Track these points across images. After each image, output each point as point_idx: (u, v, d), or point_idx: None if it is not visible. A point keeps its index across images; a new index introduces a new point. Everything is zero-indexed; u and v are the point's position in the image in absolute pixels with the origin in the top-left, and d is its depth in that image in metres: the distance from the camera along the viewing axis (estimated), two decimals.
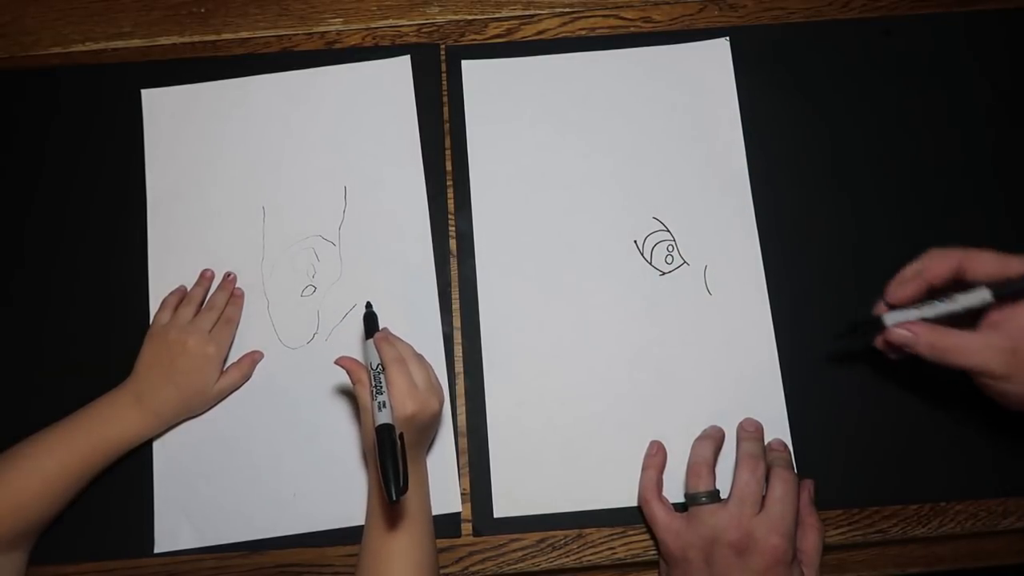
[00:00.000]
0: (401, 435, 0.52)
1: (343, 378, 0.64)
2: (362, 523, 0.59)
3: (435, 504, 0.61)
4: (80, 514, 0.62)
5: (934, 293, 0.56)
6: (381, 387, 0.55)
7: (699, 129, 0.69)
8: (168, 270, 0.67)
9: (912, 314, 0.56)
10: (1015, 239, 0.67)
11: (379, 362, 0.57)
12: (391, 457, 0.51)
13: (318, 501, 0.62)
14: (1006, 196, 0.68)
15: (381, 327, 0.61)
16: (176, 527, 0.62)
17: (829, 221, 0.67)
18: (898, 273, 0.58)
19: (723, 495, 0.58)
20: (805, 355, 0.65)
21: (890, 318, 0.57)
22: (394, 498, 0.50)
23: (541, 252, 0.67)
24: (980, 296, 0.53)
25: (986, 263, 0.53)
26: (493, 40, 0.72)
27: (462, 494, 0.63)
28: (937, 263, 0.55)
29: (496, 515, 0.62)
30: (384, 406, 0.54)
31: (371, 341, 0.58)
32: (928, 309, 0.55)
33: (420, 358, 0.59)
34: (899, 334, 0.55)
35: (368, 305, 0.62)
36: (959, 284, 0.55)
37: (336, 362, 0.59)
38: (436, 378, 0.59)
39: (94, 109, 0.71)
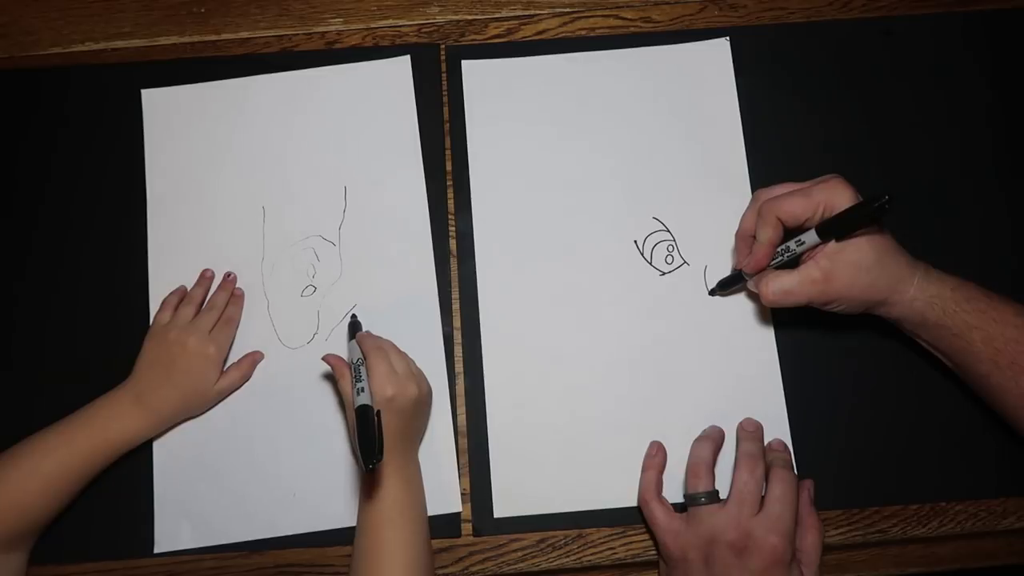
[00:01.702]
0: (378, 412, 0.52)
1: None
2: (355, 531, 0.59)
3: (435, 504, 0.61)
4: (80, 514, 0.62)
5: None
6: (361, 376, 0.56)
7: (699, 129, 0.69)
8: (168, 270, 0.67)
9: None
10: (1015, 239, 0.67)
11: (360, 356, 0.58)
12: (366, 427, 0.51)
13: (318, 501, 0.62)
14: (1006, 196, 0.68)
15: (367, 331, 0.62)
16: (176, 527, 0.62)
17: None
18: (740, 236, 0.62)
19: (723, 495, 0.58)
20: (805, 355, 0.65)
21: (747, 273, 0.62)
22: (367, 466, 0.50)
23: (541, 252, 0.67)
24: (811, 238, 0.56)
25: (796, 207, 0.56)
26: (493, 40, 0.72)
27: (462, 494, 0.63)
28: (764, 228, 0.58)
29: (496, 515, 0.62)
30: (363, 391, 0.55)
31: (353, 342, 0.60)
32: (775, 262, 0.60)
33: (401, 351, 0.60)
34: (752, 290, 0.61)
35: (353, 316, 0.64)
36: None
37: (323, 358, 0.60)
38: (418, 368, 0.60)
39: (94, 109, 0.71)
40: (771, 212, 0.57)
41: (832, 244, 0.56)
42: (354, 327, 0.63)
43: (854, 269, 0.55)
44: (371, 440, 0.51)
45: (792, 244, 0.58)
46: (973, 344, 0.56)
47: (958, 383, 0.62)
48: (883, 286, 0.56)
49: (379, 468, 0.56)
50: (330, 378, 0.64)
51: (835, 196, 0.55)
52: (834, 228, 0.55)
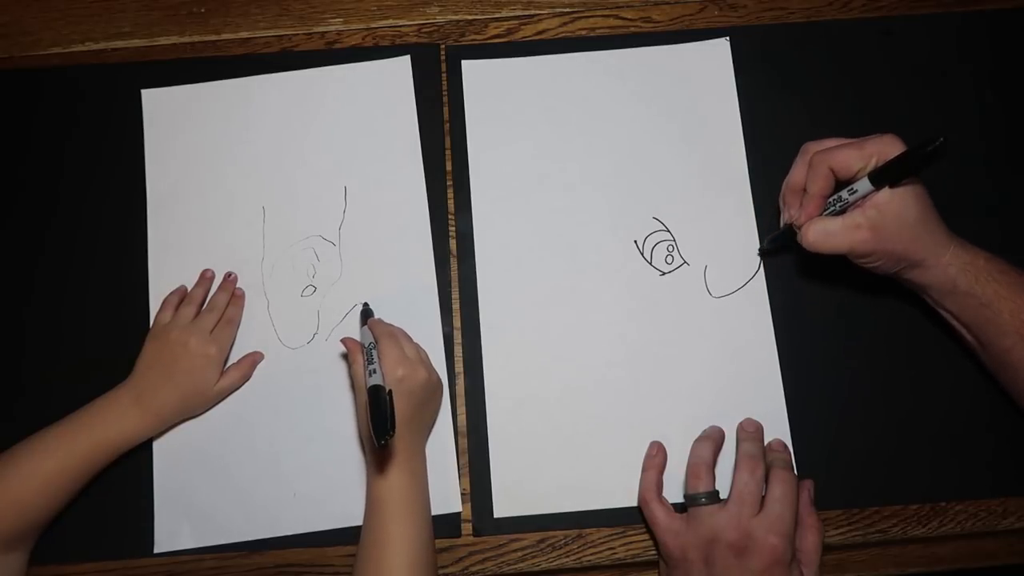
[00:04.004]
0: (390, 391, 0.53)
1: (343, 378, 0.64)
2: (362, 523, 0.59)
3: (435, 504, 0.61)
4: (80, 514, 0.62)
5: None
6: (373, 359, 0.57)
7: (699, 129, 0.69)
8: (168, 270, 0.67)
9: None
10: (1014, 239, 0.67)
11: (371, 341, 0.58)
12: (378, 404, 0.52)
13: (318, 501, 0.62)
14: (1006, 196, 0.68)
15: (379, 318, 0.63)
16: (176, 527, 0.62)
17: None
18: (790, 190, 0.60)
19: (723, 495, 0.58)
20: (805, 355, 0.65)
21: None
22: (379, 441, 0.50)
23: (541, 252, 0.67)
24: (864, 187, 0.56)
25: (849, 157, 0.56)
26: (493, 40, 0.72)
27: (462, 494, 0.63)
28: (815, 179, 0.57)
29: (496, 515, 0.62)
30: (375, 372, 0.55)
31: (366, 328, 0.60)
32: (826, 213, 0.59)
33: (412, 340, 0.61)
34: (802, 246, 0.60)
35: (365, 304, 0.64)
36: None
37: (341, 340, 0.61)
38: (427, 357, 0.61)
39: (94, 109, 0.71)
40: (823, 163, 0.57)
41: (880, 195, 0.55)
42: (366, 314, 0.63)
43: (900, 222, 0.55)
44: (383, 415, 0.51)
45: (844, 193, 0.57)
46: (1000, 315, 0.56)
47: (958, 384, 0.62)
48: (923, 244, 0.56)
49: (386, 459, 0.56)
50: (331, 378, 0.65)
51: (889, 148, 0.55)
52: (888, 174, 0.54)
